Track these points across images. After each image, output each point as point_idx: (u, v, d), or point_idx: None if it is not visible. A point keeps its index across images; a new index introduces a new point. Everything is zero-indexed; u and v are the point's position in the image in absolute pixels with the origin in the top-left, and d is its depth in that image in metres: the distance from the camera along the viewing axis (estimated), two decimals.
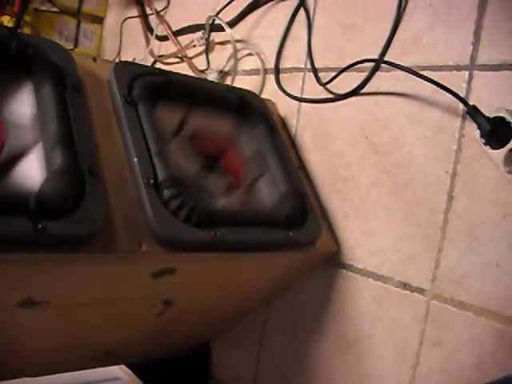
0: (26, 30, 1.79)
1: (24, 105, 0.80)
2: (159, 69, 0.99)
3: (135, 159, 0.82)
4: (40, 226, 0.66)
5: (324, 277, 1.07)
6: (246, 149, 1.02)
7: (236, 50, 1.28)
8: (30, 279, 0.73)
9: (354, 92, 1.05)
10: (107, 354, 1.13)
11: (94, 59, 0.95)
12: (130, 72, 0.93)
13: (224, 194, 0.93)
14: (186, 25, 1.53)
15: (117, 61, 0.91)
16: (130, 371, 1.59)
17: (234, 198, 0.94)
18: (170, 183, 0.80)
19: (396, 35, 1.00)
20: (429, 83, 0.88)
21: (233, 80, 1.28)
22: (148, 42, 1.67)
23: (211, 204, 0.88)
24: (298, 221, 0.94)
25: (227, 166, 0.98)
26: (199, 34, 1.39)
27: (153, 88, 0.93)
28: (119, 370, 1.61)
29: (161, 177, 0.81)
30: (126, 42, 1.80)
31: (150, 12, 1.67)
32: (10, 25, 1.72)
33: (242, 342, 1.25)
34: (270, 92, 1.23)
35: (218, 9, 1.39)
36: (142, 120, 0.87)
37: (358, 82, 1.04)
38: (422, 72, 0.91)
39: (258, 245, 0.89)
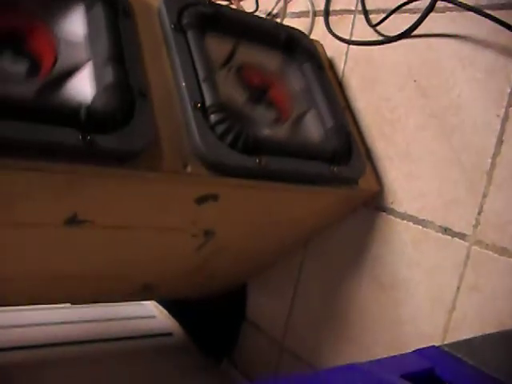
0: None
1: (76, 24, 0.80)
2: (209, 0, 0.98)
3: (183, 83, 0.82)
4: (89, 137, 0.67)
5: (364, 219, 1.07)
6: (293, 85, 1.01)
7: None
8: (77, 193, 0.74)
9: (405, 34, 1.03)
10: (146, 288, 1.15)
11: None
12: (180, 1, 0.93)
13: (270, 126, 0.93)
14: None
15: None
16: (163, 309, 1.62)
17: (280, 130, 0.94)
18: (217, 108, 0.80)
19: None
20: (486, 22, 0.86)
21: (282, 22, 1.26)
22: None
23: (257, 133, 0.88)
24: (343, 157, 0.94)
25: (274, 99, 0.98)
26: None
27: (202, 18, 0.93)
28: (153, 308, 1.65)
29: (208, 101, 0.81)
30: None
31: None
32: None
33: (277, 284, 1.26)
34: (319, 34, 1.21)
35: None
36: (190, 47, 0.87)
37: (410, 24, 1.02)
38: None
39: (301, 176, 0.89)
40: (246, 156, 0.81)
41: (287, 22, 1.28)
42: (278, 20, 1.30)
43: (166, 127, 0.78)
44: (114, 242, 0.91)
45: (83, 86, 0.74)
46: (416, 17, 1.01)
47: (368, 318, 1.07)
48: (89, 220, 0.81)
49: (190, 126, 0.79)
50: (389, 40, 1.06)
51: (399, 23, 1.04)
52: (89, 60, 0.76)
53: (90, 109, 0.68)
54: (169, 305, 1.61)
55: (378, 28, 1.08)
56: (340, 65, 1.15)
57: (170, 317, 1.59)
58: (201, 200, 0.84)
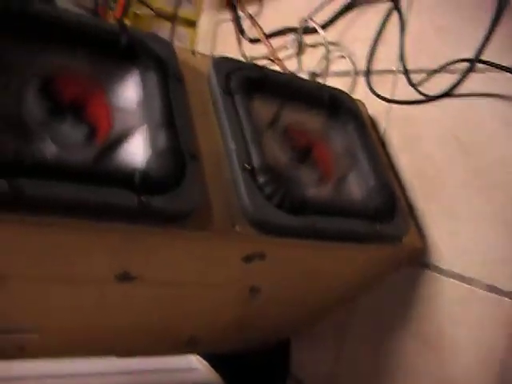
0: None
1: (130, 91, 0.85)
2: (255, 64, 1.03)
3: (232, 145, 0.85)
4: (143, 199, 0.70)
5: (408, 276, 1.07)
6: (337, 144, 1.04)
7: (328, 52, 1.29)
8: (130, 251, 0.77)
9: (447, 93, 1.05)
10: (191, 341, 1.16)
11: (193, 52, 0.99)
12: (227, 66, 0.97)
13: (315, 185, 0.95)
14: (277, 28, 1.56)
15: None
16: (206, 362, 1.62)
17: (324, 190, 0.96)
18: (264, 169, 0.83)
19: (492, 36, 0.99)
20: None
21: (324, 81, 1.30)
22: (240, 44, 1.71)
23: (303, 193, 0.90)
24: (387, 215, 0.95)
25: (318, 160, 1.00)
26: (291, 36, 1.42)
27: (249, 81, 0.96)
28: (195, 361, 1.65)
29: (256, 163, 0.84)
30: (218, 45, 1.86)
31: (243, 16, 1.72)
32: None
33: (322, 340, 1.26)
34: (360, 93, 1.24)
35: (310, 12, 1.42)
36: (238, 110, 0.91)
37: (450, 84, 1.04)
38: None
39: (346, 235, 0.90)
40: (292, 216, 0.83)
41: (329, 81, 1.32)
42: (321, 79, 1.34)
43: (216, 188, 0.81)
44: (163, 297, 0.94)
45: (137, 150, 0.78)
46: (456, 77, 1.03)
47: (413, 376, 1.06)
48: (140, 276, 0.83)
49: (238, 187, 0.82)
50: (430, 99, 1.08)
51: (440, 82, 1.07)
52: (142, 125, 0.80)
53: (144, 172, 0.72)
54: (212, 358, 1.62)
55: (418, 87, 1.11)
56: (382, 123, 1.18)
57: (213, 370, 1.59)
58: (248, 258, 0.86)
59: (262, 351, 1.38)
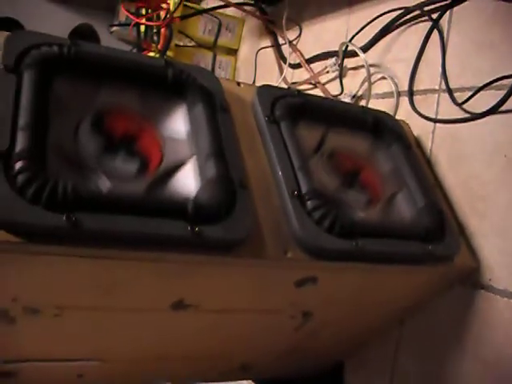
0: None
1: (179, 123, 0.87)
2: (298, 90, 1.04)
3: (280, 172, 0.87)
4: (197, 229, 0.72)
5: (461, 296, 1.06)
6: (383, 166, 1.04)
7: (370, 74, 1.30)
8: (185, 280, 0.79)
9: (492, 110, 1.04)
10: (244, 367, 1.17)
11: (238, 84, 1.02)
12: (271, 94, 0.99)
13: (363, 209, 0.96)
14: (317, 52, 1.58)
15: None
16: None
17: (373, 213, 0.96)
18: (313, 195, 0.84)
19: None
20: None
21: (367, 103, 1.31)
22: (281, 69, 1.74)
23: (352, 216, 0.91)
24: (437, 235, 0.95)
25: (365, 183, 1.01)
26: (332, 60, 1.44)
27: (293, 108, 0.98)
28: None
29: (304, 189, 0.85)
30: (259, 71, 1.89)
31: (283, 42, 1.75)
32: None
33: (374, 362, 1.25)
34: (404, 114, 1.24)
35: (349, 36, 1.44)
36: (284, 137, 0.92)
37: (495, 101, 1.04)
38: None
39: (397, 256, 0.90)
40: (343, 240, 0.83)
41: (372, 103, 1.33)
42: (364, 101, 1.35)
43: (266, 215, 0.82)
44: (216, 324, 0.95)
45: (188, 180, 0.80)
46: (501, 93, 1.02)
47: None
48: (194, 304, 0.85)
49: (288, 213, 0.83)
50: (475, 117, 1.08)
51: (484, 100, 1.06)
52: (192, 156, 0.83)
53: (196, 202, 0.74)
54: (264, 383, 1.62)
55: (462, 105, 1.11)
56: (427, 143, 1.17)
57: None
58: (300, 283, 0.87)
59: (314, 375, 1.38)
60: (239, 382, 1.68)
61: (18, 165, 0.67)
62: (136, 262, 0.74)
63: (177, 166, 0.82)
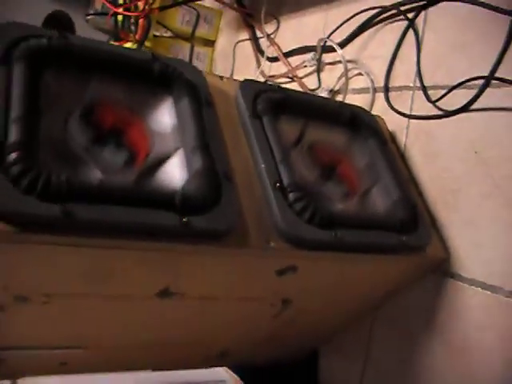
0: None
1: (165, 117, 0.90)
2: (278, 86, 1.08)
3: (262, 165, 0.90)
4: (185, 219, 0.75)
5: (432, 285, 1.11)
6: (359, 160, 1.08)
7: (347, 70, 1.34)
8: (171, 268, 0.82)
9: (464, 108, 1.09)
10: (223, 354, 1.21)
11: (221, 77, 1.04)
12: (254, 88, 1.02)
13: (341, 201, 1.00)
14: (295, 47, 1.61)
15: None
16: (234, 375, 1.66)
17: (351, 205, 1.00)
18: (294, 187, 0.88)
19: (507, 53, 1.03)
20: None
21: (344, 98, 1.35)
22: (259, 62, 1.77)
23: (331, 208, 0.95)
24: (411, 227, 0.99)
25: (343, 175, 1.05)
26: (310, 55, 1.47)
27: (274, 103, 1.01)
28: (224, 373, 1.69)
29: (286, 181, 0.89)
30: (237, 64, 1.91)
31: (261, 35, 1.78)
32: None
33: (348, 348, 1.30)
34: (379, 109, 1.28)
35: (327, 31, 1.47)
36: (266, 131, 0.95)
37: (467, 99, 1.08)
38: None
39: (374, 246, 0.94)
40: (322, 230, 0.87)
41: (349, 97, 1.36)
42: (340, 96, 1.39)
43: (250, 207, 0.86)
44: (200, 311, 0.98)
45: (175, 172, 0.83)
46: (473, 92, 1.07)
47: (441, 379, 1.10)
48: (180, 292, 0.88)
49: (270, 205, 0.86)
50: (448, 114, 1.12)
51: (457, 98, 1.11)
52: (178, 148, 0.85)
53: (184, 194, 0.77)
54: (240, 371, 1.65)
55: (436, 103, 1.15)
56: (402, 138, 1.22)
57: (241, 382, 1.63)
58: (281, 272, 0.90)
59: (290, 363, 1.42)
60: (214, 368, 1.71)
61: (12, 156, 0.69)
62: (125, 251, 0.76)
63: (164, 159, 0.85)
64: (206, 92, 0.95)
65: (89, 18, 2.70)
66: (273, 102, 1.01)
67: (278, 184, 0.88)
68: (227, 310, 1.00)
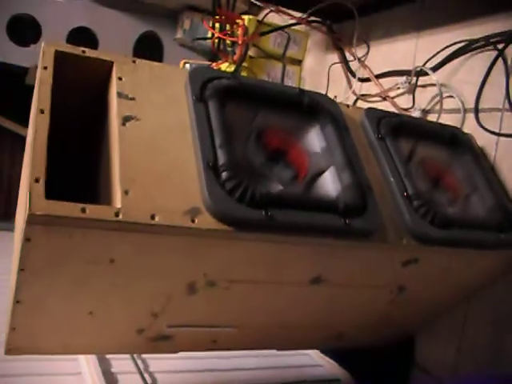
0: (244, 73, 2.18)
1: (315, 140, 1.13)
2: (395, 113, 1.30)
3: (392, 179, 1.13)
4: (347, 221, 0.99)
5: None
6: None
7: (441, 93, 1.56)
8: (329, 260, 1.06)
9: None
10: (340, 336, 1.43)
11: (348, 106, 1.27)
12: (377, 114, 1.25)
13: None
14: (385, 70, 1.84)
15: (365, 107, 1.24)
16: (328, 358, 1.87)
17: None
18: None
19: None
20: None
21: (438, 118, 1.56)
22: (349, 83, 2.00)
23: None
24: (506, 226, 1.22)
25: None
26: (403, 78, 1.69)
27: (394, 127, 1.24)
28: (318, 357, 1.90)
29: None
30: (324, 81, 2.14)
31: (351, 58, 2.00)
32: (228, 69, 2.10)
33: (444, 332, 1.51)
34: (469, 128, 1.49)
35: (417, 57, 1.69)
36: (390, 150, 1.18)
37: None
38: None
39: (479, 243, 1.17)
40: (441, 230, 1.10)
41: (441, 117, 1.58)
42: (431, 116, 1.61)
43: (384, 210, 1.09)
44: (334, 297, 1.22)
45: (329, 185, 1.07)
46: None
47: None
48: (327, 280, 1.12)
49: (400, 210, 1.10)
50: None
51: None
52: (329, 166, 1.09)
53: (345, 201, 1.01)
54: (333, 355, 1.87)
55: None
56: (491, 153, 1.43)
57: (338, 365, 1.83)
58: (406, 263, 1.13)
59: (383, 346, 1.64)
60: (307, 352, 1.92)
61: (225, 174, 0.94)
62: (296, 246, 1.00)
63: (319, 174, 1.08)
64: (343, 119, 1.18)
65: (176, 36, 3.00)
66: (392, 126, 1.24)
67: (405, 193, 1.11)
68: (354, 295, 1.24)
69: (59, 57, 0.99)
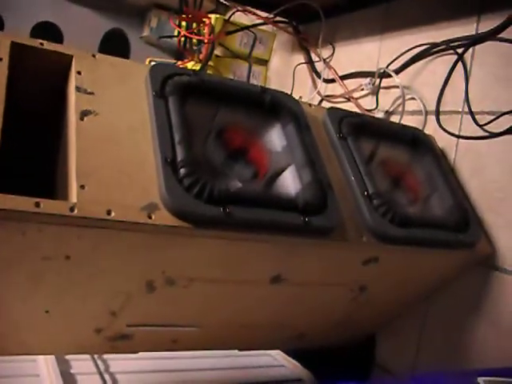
0: (209, 71, 2.17)
1: (276, 139, 1.13)
2: (357, 113, 1.31)
3: (352, 177, 1.14)
4: (307, 219, 0.99)
5: (479, 276, 1.34)
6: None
7: (404, 94, 1.58)
8: (288, 258, 1.06)
9: (510, 131, 1.32)
10: (301, 336, 1.44)
11: (310, 105, 1.28)
12: (338, 114, 1.26)
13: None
14: (350, 71, 1.85)
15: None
16: (290, 358, 1.87)
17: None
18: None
19: None
20: None
21: (400, 120, 1.58)
22: (315, 83, 2.01)
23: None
24: (464, 227, 1.23)
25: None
26: (367, 79, 1.71)
27: (355, 126, 1.25)
28: (280, 357, 1.90)
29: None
30: (289, 81, 2.14)
31: (316, 58, 2.01)
32: (194, 68, 2.09)
33: (404, 331, 1.53)
34: (431, 130, 1.51)
35: (381, 59, 1.71)
36: (351, 149, 1.19)
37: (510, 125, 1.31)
38: None
39: (437, 242, 1.18)
40: (401, 228, 1.11)
41: (403, 119, 1.60)
42: (394, 117, 1.63)
43: (344, 209, 1.10)
44: (293, 296, 1.22)
45: (289, 183, 1.07)
46: None
47: (485, 354, 1.33)
48: (288, 278, 1.12)
49: (359, 208, 1.10)
50: (494, 135, 1.35)
51: (501, 123, 1.34)
52: (290, 164, 1.08)
53: (304, 199, 1.01)
54: (295, 355, 1.87)
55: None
56: (451, 155, 1.45)
57: (300, 365, 1.84)
58: (366, 262, 1.14)
59: (345, 346, 1.65)
60: (269, 352, 1.92)
61: (183, 171, 0.93)
62: (255, 243, 1.00)
63: (279, 172, 1.08)
64: (305, 119, 1.18)
65: (143, 34, 2.98)
66: (354, 126, 1.25)
67: (365, 192, 1.12)
68: (316, 294, 1.24)
69: (16, 49, 0.97)
